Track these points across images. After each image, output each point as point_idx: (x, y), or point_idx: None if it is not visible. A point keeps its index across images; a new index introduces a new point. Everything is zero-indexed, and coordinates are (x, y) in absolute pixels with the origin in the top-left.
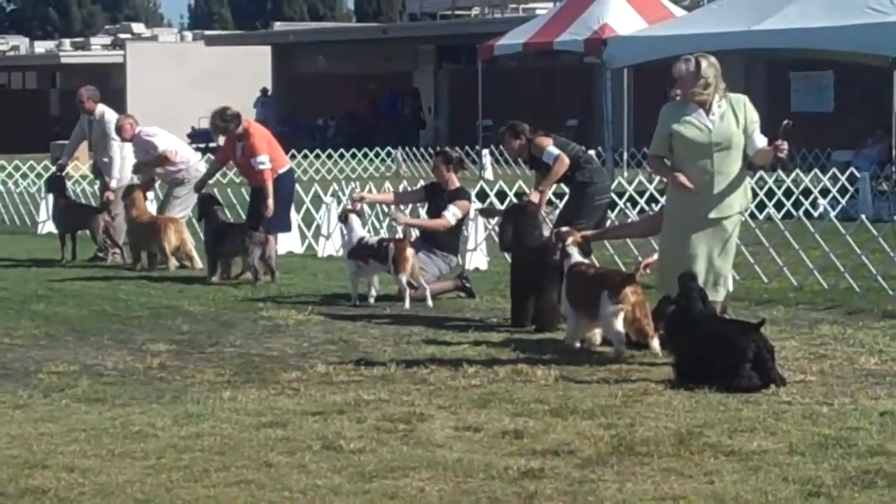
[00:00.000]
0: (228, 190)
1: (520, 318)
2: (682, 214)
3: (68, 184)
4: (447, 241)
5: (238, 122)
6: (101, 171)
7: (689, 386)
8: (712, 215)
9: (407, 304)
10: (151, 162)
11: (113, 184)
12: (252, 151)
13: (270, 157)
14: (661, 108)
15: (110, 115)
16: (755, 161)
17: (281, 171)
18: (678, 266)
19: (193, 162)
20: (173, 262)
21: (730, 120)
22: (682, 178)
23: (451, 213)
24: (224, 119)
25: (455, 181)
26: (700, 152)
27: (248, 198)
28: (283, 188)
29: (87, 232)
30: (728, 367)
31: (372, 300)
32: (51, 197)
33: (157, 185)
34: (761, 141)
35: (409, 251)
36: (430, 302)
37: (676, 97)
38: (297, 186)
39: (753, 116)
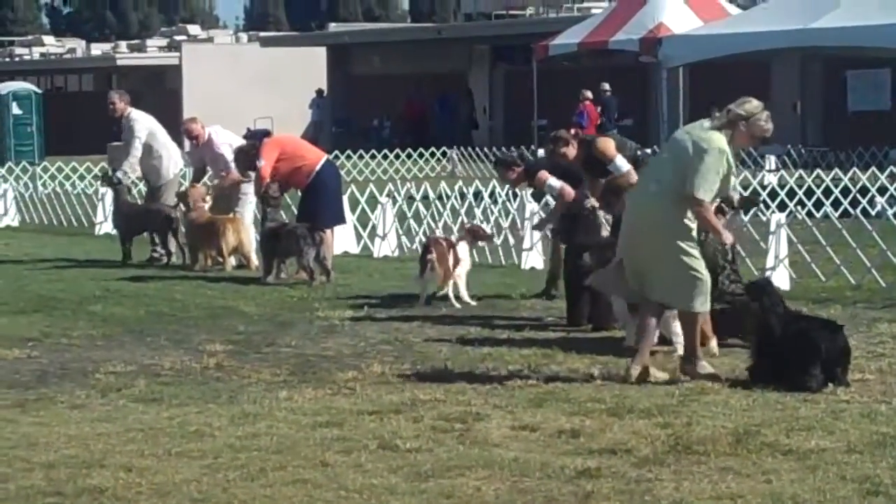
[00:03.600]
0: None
1: (576, 317)
2: None
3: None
4: None
5: (256, 150)
6: (145, 172)
7: (746, 385)
8: None
9: (471, 303)
10: (223, 184)
11: (119, 174)
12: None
13: (299, 156)
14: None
15: (136, 114)
16: None
17: (318, 166)
18: None
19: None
20: (230, 263)
21: None
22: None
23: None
24: (248, 156)
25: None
26: None
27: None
28: (328, 181)
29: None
30: (801, 366)
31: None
32: (108, 198)
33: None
34: None
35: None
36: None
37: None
38: (353, 187)
39: None
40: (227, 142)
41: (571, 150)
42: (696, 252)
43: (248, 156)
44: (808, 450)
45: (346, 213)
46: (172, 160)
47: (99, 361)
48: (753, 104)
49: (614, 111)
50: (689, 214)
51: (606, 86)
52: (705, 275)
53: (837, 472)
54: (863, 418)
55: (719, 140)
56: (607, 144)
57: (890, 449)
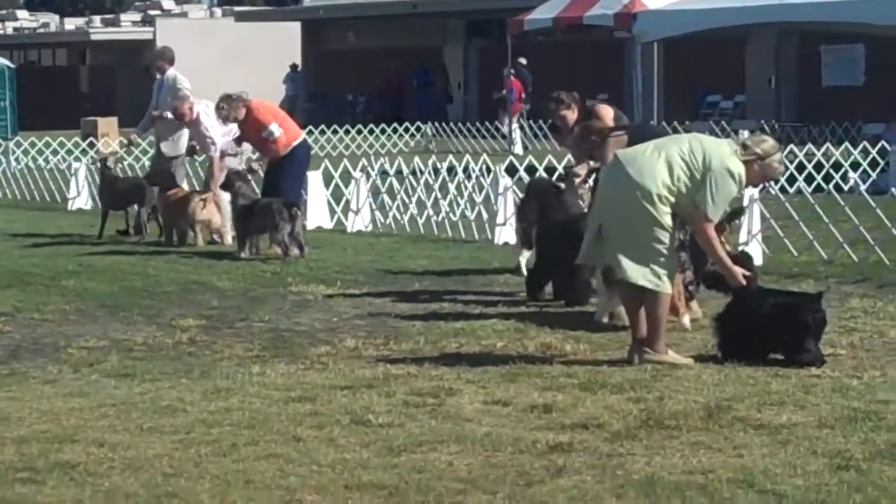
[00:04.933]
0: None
1: (534, 291)
2: None
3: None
4: None
5: (243, 103)
6: (161, 141)
7: (717, 360)
8: None
9: None
10: (215, 170)
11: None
12: (259, 125)
13: (283, 128)
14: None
15: (182, 77)
16: None
17: (296, 142)
18: None
19: (230, 136)
20: (202, 238)
21: None
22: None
23: None
24: (230, 104)
25: None
26: None
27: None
28: (301, 158)
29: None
30: (791, 341)
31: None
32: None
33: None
34: None
35: None
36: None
37: None
38: (327, 162)
39: None
40: (214, 123)
41: (571, 115)
42: (669, 228)
43: (233, 104)
44: (779, 424)
45: (321, 190)
46: (186, 136)
47: (71, 336)
48: (770, 143)
49: (529, 85)
50: (667, 210)
51: (523, 60)
52: (672, 254)
53: (809, 447)
54: (834, 393)
55: (742, 169)
56: (608, 113)
57: (861, 424)
